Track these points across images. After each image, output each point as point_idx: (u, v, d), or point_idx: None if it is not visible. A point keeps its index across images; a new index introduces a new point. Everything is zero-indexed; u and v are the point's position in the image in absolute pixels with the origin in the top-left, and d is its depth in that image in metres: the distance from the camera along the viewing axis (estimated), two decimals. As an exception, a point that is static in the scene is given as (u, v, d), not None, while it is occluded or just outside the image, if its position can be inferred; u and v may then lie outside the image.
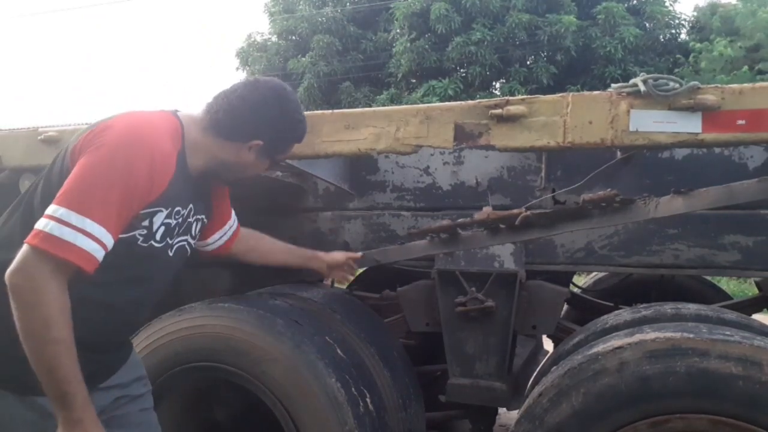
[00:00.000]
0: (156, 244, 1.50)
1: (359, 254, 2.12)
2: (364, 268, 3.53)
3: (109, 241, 1.36)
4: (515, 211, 1.88)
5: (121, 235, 1.40)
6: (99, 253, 1.34)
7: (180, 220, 1.56)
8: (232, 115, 1.55)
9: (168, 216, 1.50)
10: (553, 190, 2.05)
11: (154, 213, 1.46)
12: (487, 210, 1.92)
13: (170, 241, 1.55)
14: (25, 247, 1.31)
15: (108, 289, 1.47)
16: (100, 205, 1.33)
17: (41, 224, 1.31)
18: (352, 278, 2.06)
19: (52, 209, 1.32)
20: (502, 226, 1.90)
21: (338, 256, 2.09)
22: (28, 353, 1.29)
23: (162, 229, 1.50)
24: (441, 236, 2.00)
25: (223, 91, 1.59)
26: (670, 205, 1.70)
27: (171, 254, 1.58)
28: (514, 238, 1.94)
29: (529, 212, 1.87)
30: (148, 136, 1.43)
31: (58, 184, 1.39)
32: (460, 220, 1.95)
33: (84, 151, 1.39)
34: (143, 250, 1.48)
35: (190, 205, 1.60)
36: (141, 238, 1.46)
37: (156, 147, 1.43)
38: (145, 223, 1.45)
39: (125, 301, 1.53)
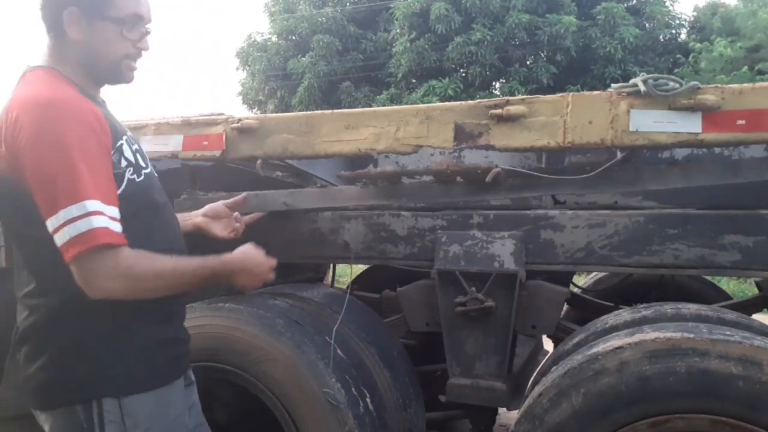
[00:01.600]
0: (145, 170, 1.50)
1: (241, 195, 2.00)
2: (364, 268, 3.54)
3: (115, 207, 1.33)
4: (483, 165, 1.85)
5: (119, 190, 1.38)
6: (116, 225, 1.32)
7: (135, 144, 1.53)
8: (43, 4, 1.41)
9: (128, 143, 1.47)
10: (553, 190, 2.04)
11: (120, 147, 1.43)
12: (446, 160, 1.87)
13: (148, 164, 1.54)
14: (73, 268, 1.29)
15: (147, 245, 1.43)
16: (80, 183, 1.28)
17: (59, 239, 1.28)
18: (241, 229, 1.95)
19: (53, 221, 1.28)
20: (460, 179, 1.86)
21: (215, 204, 1.93)
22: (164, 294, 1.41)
23: (137, 155, 1.49)
24: (378, 183, 1.95)
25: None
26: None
27: (157, 177, 1.58)
28: (474, 196, 1.91)
29: (500, 168, 1.85)
30: (53, 100, 1.33)
31: (13, 201, 1.36)
32: (409, 169, 1.90)
33: (16, 158, 1.31)
34: (143, 184, 1.48)
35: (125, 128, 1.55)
36: (134, 175, 1.45)
37: (67, 101, 1.35)
38: (122, 160, 1.42)
39: (163, 251, 1.50)
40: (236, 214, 1.97)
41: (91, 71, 1.45)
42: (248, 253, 1.59)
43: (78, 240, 1.27)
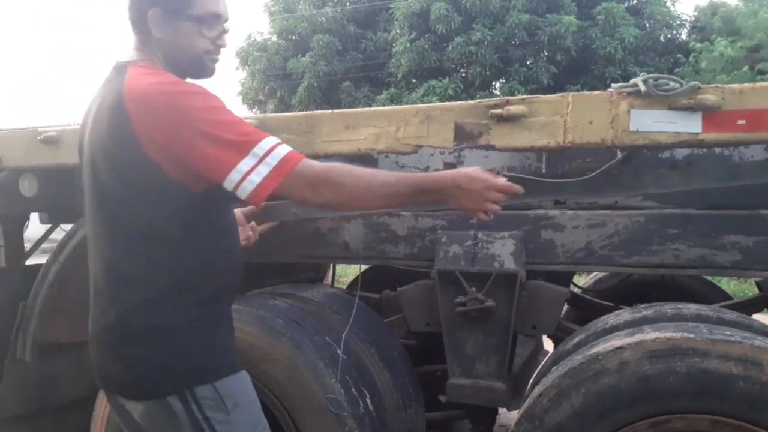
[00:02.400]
0: None
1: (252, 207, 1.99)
2: (365, 268, 3.54)
3: None
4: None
5: None
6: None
7: None
8: (130, 5, 1.51)
9: None
10: (554, 190, 2.04)
11: None
12: (448, 167, 1.87)
13: None
14: (284, 192, 1.37)
15: (223, 240, 1.54)
16: (250, 127, 1.39)
17: (255, 179, 1.33)
18: (253, 238, 1.99)
19: (239, 170, 1.33)
20: None
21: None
22: (378, 204, 1.48)
23: None
24: None
25: None
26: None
27: None
28: None
29: (502, 174, 1.85)
30: (180, 81, 1.43)
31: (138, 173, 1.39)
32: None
33: (169, 140, 1.36)
34: None
35: None
36: None
37: (192, 83, 1.45)
38: None
39: (233, 249, 1.61)
40: (252, 223, 2.00)
41: (176, 66, 1.50)
42: (462, 170, 1.49)
43: (281, 167, 1.34)
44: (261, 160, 1.34)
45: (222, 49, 1.56)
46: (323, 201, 1.40)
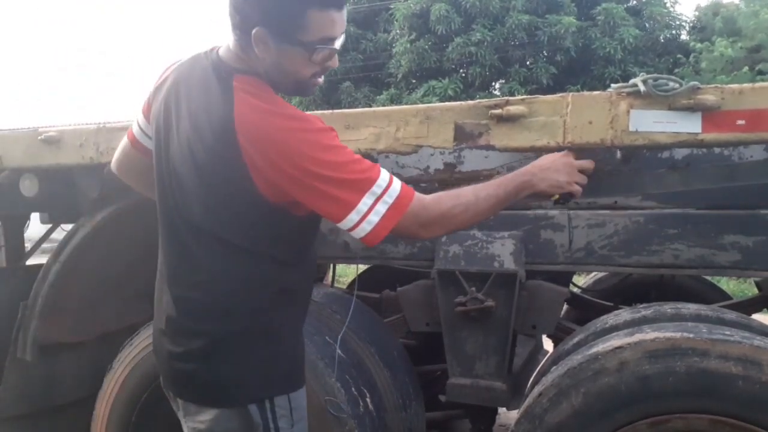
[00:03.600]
0: None
1: None
2: (365, 268, 3.54)
3: None
4: (484, 171, 1.87)
5: None
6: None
7: None
8: (233, 13, 1.34)
9: None
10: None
11: None
12: (448, 167, 1.89)
13: None
14: (401, 232, 1.35)
15: (309, 260, 1.55)
16: (364, 163, 1.33)
17: (371, 221, 1.30)
18: None
19: (356, 212, 1.29)
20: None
21: None
22: (482, 219, 1.50)
23: None
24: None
25: None
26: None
27: None
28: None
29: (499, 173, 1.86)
30: (289, 110, 1.33)
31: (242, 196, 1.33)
32: (414, 176, 1.92)
33: (283, 171, 1.28)
34: None
35: None
36: None
37: (305, 114, 1.37)
38: None
39: (313, 269, 1.61)
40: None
41: (276, 85, 1.39)
42: (557, 161, 1.51)
43: (398, 205, 1.31)
44: (379, 198, 1.30)
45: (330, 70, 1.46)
46: (433, 236, 1.42)
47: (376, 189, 1.30)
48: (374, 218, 1.30)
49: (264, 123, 1.29)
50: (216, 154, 1.32)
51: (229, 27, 1.37)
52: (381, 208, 1.30)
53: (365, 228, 1.30)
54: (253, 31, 1.29)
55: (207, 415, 1.40)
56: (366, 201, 1.29)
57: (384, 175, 1.33)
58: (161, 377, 1.54)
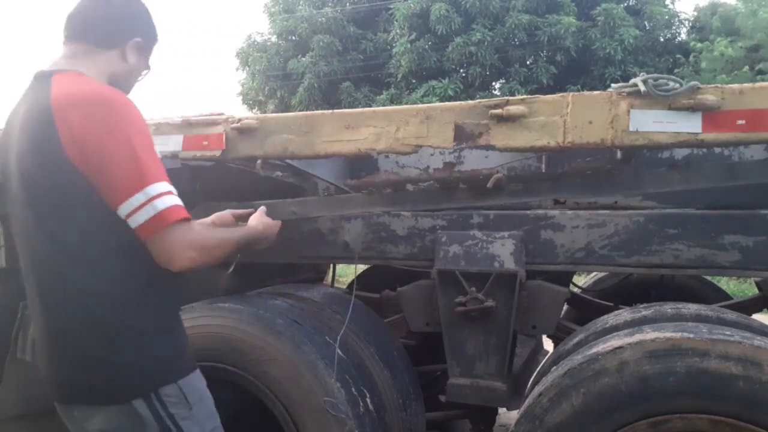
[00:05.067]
0: None
1: (248, 210, 2.06)
2: (365, 268, 3.54)
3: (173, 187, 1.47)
4: (485, 170, 1.87)
5: None
6: (180, 202, 1.45)
7: None
8: (108, 21, 1.57)
9: None
10: (553, 190, 2.04)
11: None
12: (448, 166, 1.89)
13: None
14: (152, 245, 1.42)
15: None
16: (147, 169, 1.41)
17: (136, 220, 1.38)
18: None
19: (126, 206, 1.38)
20: (462, 185, 1.88)
21: (223, 213, 2.02)
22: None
23: None
24: (384, 192, 1.96)
25: (74, 11, 1.58)
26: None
27: None
28: (477, 201, 1.93)
29: (501, 174, 1.86)
30: (110, 96, 1.44)
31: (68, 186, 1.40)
32: (412, 176, 1.93)
33: (84, 152, 1.38)
34: None
35: None
36: None
37: (121, 96, 1.47)
38: None
39: None
40: (240, 222, 2.02)
41: (116, 86, 1.55)
42: (264, 221, 1.89)
43: (157, 219, 1.39)
44: (145, 204, 1.39)
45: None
46: (191, 263, 1.46)
47: (145, 195, 1.39)
48: (145, 215, 1.39)
49: (83, 88, 1.44)
50: (37, 153, 1.41)
51: (76, 38, 1.55)
52: (148, 211, 1.39)
53: (139, 219, 1.39)
54: (134, 39, 1.60)
55: (99, 416, 1.46)
56: (139, 197, 1.38)
57: (156, 189, 1.40)
58: (49, 390, 1.56)
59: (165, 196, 1.41)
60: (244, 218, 2.02)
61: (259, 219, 1.89)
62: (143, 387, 1.44)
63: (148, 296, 1.48)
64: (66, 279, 1.45)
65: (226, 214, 1.99)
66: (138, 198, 1.38)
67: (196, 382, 1.55)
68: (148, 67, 1.70)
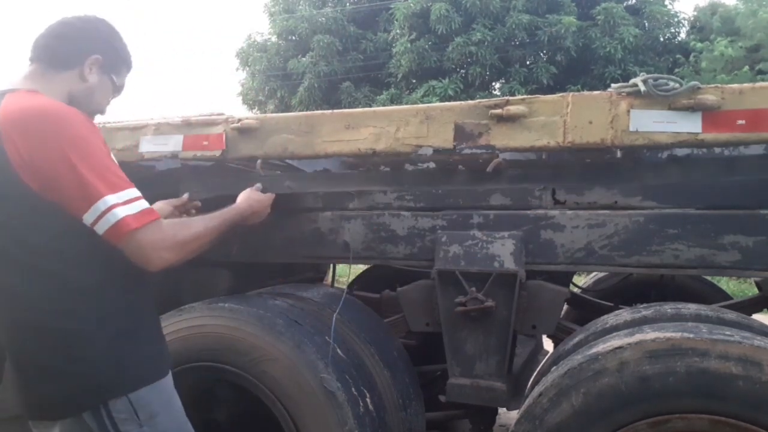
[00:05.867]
0: None
1: (184, 196, 2.12)
2: (364, 268, 3.54)
3: (131, 187, 1.44)
4: (484, 154, 1.89)
5: None
6: (137, 205, 1.42)
7: None
8: (64, 40, 1.56)
9: None
10: (553, 190, 2.05)
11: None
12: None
13: None
14: (121, 245, 1.40)
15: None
16: (113, 173, 1.41)
17: (102, 227, 1.37)
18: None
19: (94, 210, 1.36)
20: (461, 167, 1.89)
21: (161, 205, 2.01)
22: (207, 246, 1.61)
23: None
24: (381, 169, 1.97)
25: (40, 35, 1.58)
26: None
27: None
28: (475, 185, 1.96)
29: (501, 159, 1.88)
30: (53, 109, 1.41)
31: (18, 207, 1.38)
32: (413, 154, 1.94)
33: (32, 165, 1.35)
34: None
35: None
36: None
37: (64, 108, 1.44)
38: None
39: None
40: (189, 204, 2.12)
41: (78, 105, 1.52)
42: (251, 197, 1.92)
43: (117, 228, 1.37)
44: (110, 209, 1.38)
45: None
46: (166, 262, 1.46)
47: (96, 209, 1.37)
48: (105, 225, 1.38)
49: (25, 104, 1.40)
50: None
51: (35, 59, 1.55)
52: (111, 218, 1.37)
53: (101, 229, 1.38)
54: (93, 57, 1.57)
55: (56, 429, 1.43)
56: (99, 206, 1.37)
57: (105, 203, 1.38)
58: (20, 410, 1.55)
59: (116, 208, 1.37)
60: (179, 207, 2.08)
61: (246, 195, 1.92)
62: (92, 398, 1.40)
63: (104, 304, 1.44)
64: (16, 294, 1.41)
65: (164, 206, 2.01)
66: (91, 214, 1.37)
67: (153, 396, 1.46)
68: (114, 84, 1.65)
